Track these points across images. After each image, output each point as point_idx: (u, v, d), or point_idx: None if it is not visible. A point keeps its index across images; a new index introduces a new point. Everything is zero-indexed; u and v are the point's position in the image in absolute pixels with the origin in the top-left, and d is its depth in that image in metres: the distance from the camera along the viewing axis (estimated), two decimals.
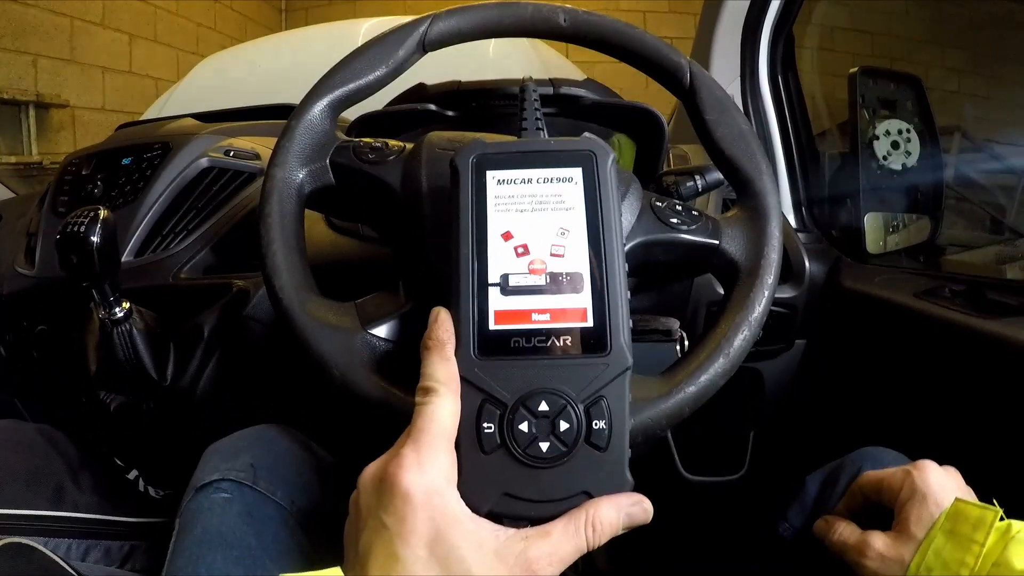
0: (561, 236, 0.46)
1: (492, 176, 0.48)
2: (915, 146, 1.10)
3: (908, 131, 1.10)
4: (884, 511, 0.59)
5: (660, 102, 0.89)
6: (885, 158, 1.09)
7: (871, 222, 1.06)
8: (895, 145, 1.10)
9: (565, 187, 0.47)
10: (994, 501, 0.52)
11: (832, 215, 1.14)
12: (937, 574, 0.50)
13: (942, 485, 0.55)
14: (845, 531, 0.60)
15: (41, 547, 0.68)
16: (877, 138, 1.09)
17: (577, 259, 0.45)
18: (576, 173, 0.48)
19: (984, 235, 2.15)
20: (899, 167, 1.10)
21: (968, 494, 0.56)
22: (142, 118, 2.02)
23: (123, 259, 0.90)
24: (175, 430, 0.88)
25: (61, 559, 0.68)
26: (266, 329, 0.84)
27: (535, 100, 0.58)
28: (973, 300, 0.83)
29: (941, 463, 0.64)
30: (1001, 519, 0.51)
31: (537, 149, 0.49)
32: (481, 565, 0.38)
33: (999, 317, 0.76)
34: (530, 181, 0.47)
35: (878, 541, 0.56)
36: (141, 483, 0.92)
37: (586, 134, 0.50)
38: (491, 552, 0.39)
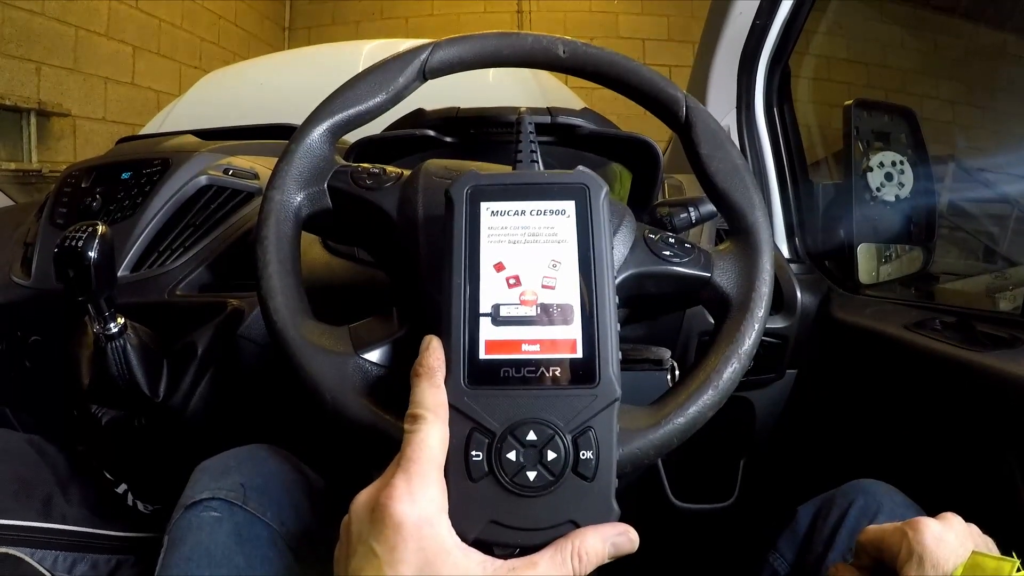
0: (553, 268, 0.46)
1: (486, 207, 0.48)
2: (908, 178, 1.11)
3: (902, 163, 1.11)
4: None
5: (657, 131, 0.90)
6: (878, 189, 1.10)
7: (864, 253, 1.07)
8: (888, 177, 1.11)
9: (558, 220, 0.48)
10: (1013, 553, 0.50)
11: (825, 246, 1.15)
12: None
13: (939, 542, 0.51)
14: None
15: (28, 558, 0.68)
16: (871, 169, 1.10)
17: (568, 291, 0.46)
18: (569, 206, 0.48)
19: (978, 264, 2.16)
20: (892, 199, 1.11)
21: (970, 536, 0.53)
22: (143, 131, 2.03)
23: (119, 274, 0.91)
24: (166, 446, 0.88)
25: (48, 571, 0.68)
26: (260, 349, 0.84)
27: (530, 132, 0.59)
28: (963, 332, 0.83)
29: (931, 495, 0.64)
30: (1019, 570, 0.48)
31: (531, 182, 0.50)
32: None
33: (988, 350, 0.77)
34: (523, 213, 0.48)
35: None
36: (130, 498, 0.92)
37: (580, 167, 0.51)
38: None
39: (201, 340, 0.84)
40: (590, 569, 0.41)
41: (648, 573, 1.02)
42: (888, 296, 1.08)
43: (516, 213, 0.48)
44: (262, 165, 1.05)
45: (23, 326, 1.00)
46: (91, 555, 0.79)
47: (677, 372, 0.69)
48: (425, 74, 0.63)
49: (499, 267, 0.46)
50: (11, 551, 0.69)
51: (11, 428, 1.08)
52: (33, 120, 3.67)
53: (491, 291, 0.46)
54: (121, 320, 0.76)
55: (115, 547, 0.82)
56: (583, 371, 0.44)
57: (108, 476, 0.93)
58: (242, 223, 0.96)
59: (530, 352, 0.44)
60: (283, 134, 0.59)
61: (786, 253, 1.16)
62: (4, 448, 0.86)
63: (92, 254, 0.70)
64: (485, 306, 0.45)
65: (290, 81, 2.14)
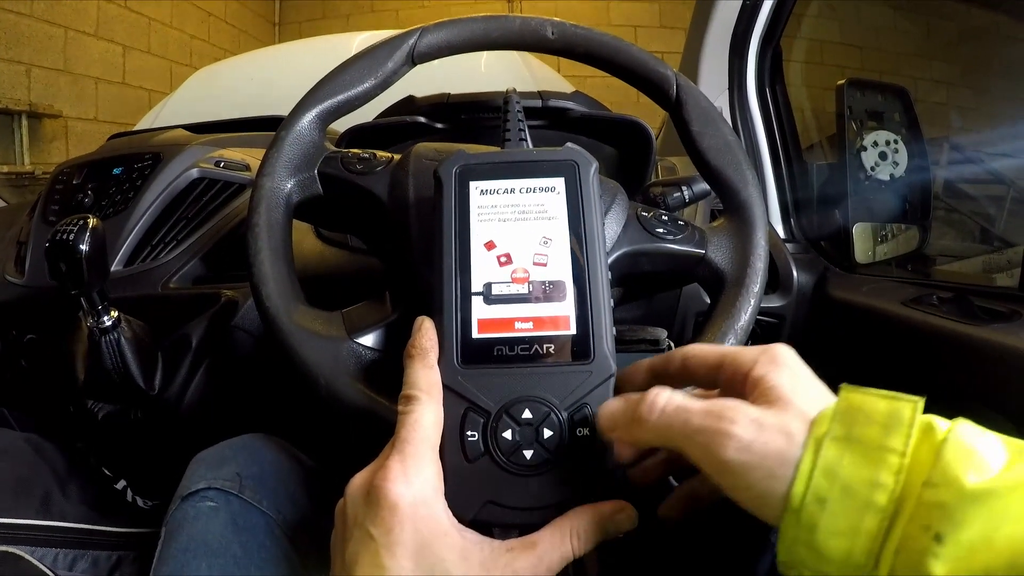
0: (544, 245, 0.46)
1: (475, 186, 0.48)
2: (903, 156, 1.11)
3: (896, 142, 1.10)
4: None
5: (650, 116, 0.89)
6: (873, 168, 1.10)
7: (859, 232, 1.07)
8: (883, 156, 1.10)
9: (547, 197, 0.48)
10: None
11: (820, 226, 1.15)
12: (836, 507, 0.32)
13: (806, 370, 0.40)
14: (679, 397, 0.38)
15: (28, 556, 0.68)
16: (865, 149, 1.10)
17: (560, 268, 0.45)
18: (558, 183, 0.48)
19: (974, 245, 2.16)
20: (887, 177, 1.10)
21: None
22: (135, 129, 2.02)
23: (113, 268, 0.90)
24: (163, 439, 0.87)
25: (48, 568, 0.67)
26: (254, 339, 0.84)
27: (518, 111, 0.58)
28: (960, 307, 0.83)
29: None
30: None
31: (519, 159, 0.49)
32: None
33: (986, 324, 0.77)
34: (512, 191, 0.48)
35: (744, 404, 0.36)
36: (129, 493, 0.92)
37: (569, 144, 0.51)
38: (476, 564, 0.39)
39: (195, 332, 0.83)
40: (589, 547, 0.41)
41: (647, 553, 1.02)
42: (885, 274, 1.07)
43: (505, 191, 0.48)
44: (253, 157, 1.05)
45: (18, 325, 0.99)
46: (91, 551, 0.79)
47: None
48: (414, 59, 0.62)
49: (490, 245, 0.46)
50: (11, 549, 0.69)
51: (8, 427, 1.07)
52: (24, 122, 3.66)
53: (482, 270, 0.45)
54: (115, 313, 0.76)
55: (115, 543, 0.81)
56: (577, 347, 0.44)
57: (106, 472, 0.93)
58: (235, 214, 0.96)
59: (523, 330, 0.44)
60: (274, 126, 0.59)
61: (781, 233, 1.16)
62: (2, 447, 0.85)
63: (84, 247, 0.70)
64: (477, 285, 0.45)
65: (281, 74, 2.14)
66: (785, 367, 0.38)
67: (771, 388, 0.37)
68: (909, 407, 0.34)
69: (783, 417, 0.35)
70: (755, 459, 0.34)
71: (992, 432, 0.33)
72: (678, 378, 0.43)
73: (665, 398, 0.38)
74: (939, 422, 0.34)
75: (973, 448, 0.31)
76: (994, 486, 0.30)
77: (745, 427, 0.35)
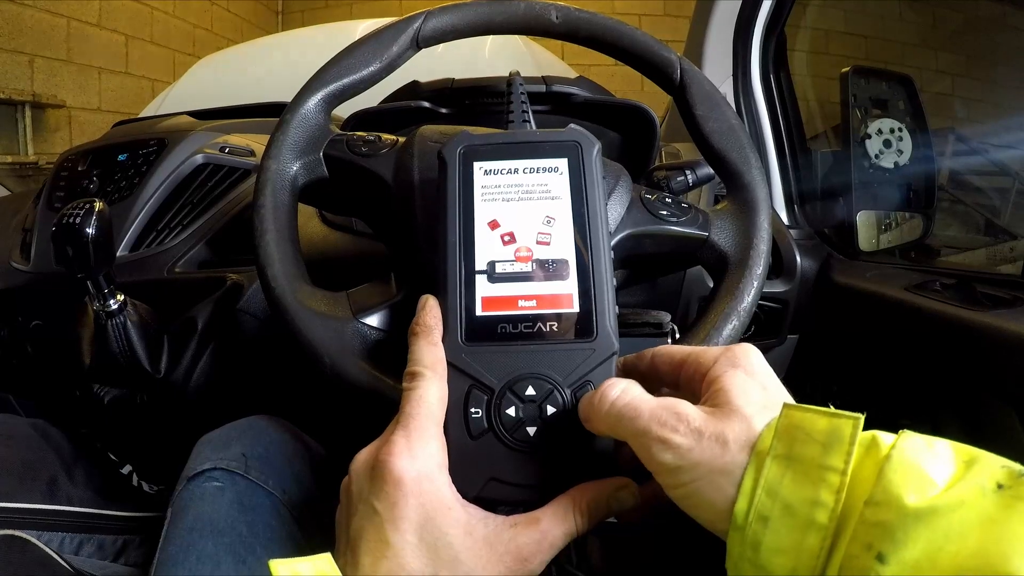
0: (547, 224, 0.46)
1: (479, 166, 0.48)
2: (907, 145, 1.10)
3: (900, 130, 1.10)
4: None
5: (654, 104, 0.89)
6: (877, 156, 1.10)
7: (863, 220, 1.07)
8: (887, 144, 1.10)
9: (551, 177, 0.48)
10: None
11: (824, 213, 1.15)
12: (778, 525, 0.32)
13: (770, 370, 0.40)
14: (632, 392, 0.39)
15: (34, 540, 0.68)
16: (869, 137, 1.09)
17: (563, 246, 0.45)
18: (562, 163, 0.48)
19: (978, 236, 2.15)
20: (891, 165, 1.10)
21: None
22: (139, 116, 2.03)
23: (118, 254, 0.91)
24: (169, 423, 0.88)
25: (54, 552, 0.68)
26: (259, 322, 0.84)
27: (522, 93, 0.59)
28: (963, 293, 0.83)
29: None
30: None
31: (523, 140, 0.49)
32: (470, 552, 0.38)
33: (988, 309, 0.77)
34: (516, 171, 0.48)
35: (689, 409, 0.36)
36: (135, 478, 0.92)
37: (572, 125, 0.51)
38: (480, 539, 0.39)
39: (201, 315, 0.84)
40: (592, 524, 0.41)
41: (653, 538, 1.02)
42: (887, 261, 1.08)
43: (509, 171, 0.48)
44: (258, 142, 1.05)
45: (24, 311, 1.00)
46: (97, 536, 0.80)
47: (677, 335, 0.69)
48: (419, 42, 0.63)
49: (493, 225, 0.46)
50: (17, 533, 0.69)
51: (15, 414, 1.08)
52: (28, 113, 3.65)
53: (486, 249, 0.46)
54: (121, 297, 0.76)
55: (121, 527, 0.82)
56: (580, 325, 0.44)
57: (112, 457, 0.93)
58: (239, 199, 0.96)
59: (527, 308, 0.44)
60: (279, 112, 0.59)
61: (785, 220, 1.16)
62: (8, 432, 0.86)
63: (90, 230, 0.70)
64: (480, 263, 0.45)
65: (286, 61, 2.13)
66: (740, 369, 0.38)
67: (721, 391, 0.37)
68: (849, 424, 0.33)
69: (722, 425, 0.35)
70: (689, 465, 0.35)
71: (942, 441, 0.33)
72: (648, 376, 0.44)
73: (617, 392, 0.39)
74: (884, 437, 0.33)
75: (917, 464, 0.31)
76: (936, 504, 0.29)
77: (684, 435, 0.35)
